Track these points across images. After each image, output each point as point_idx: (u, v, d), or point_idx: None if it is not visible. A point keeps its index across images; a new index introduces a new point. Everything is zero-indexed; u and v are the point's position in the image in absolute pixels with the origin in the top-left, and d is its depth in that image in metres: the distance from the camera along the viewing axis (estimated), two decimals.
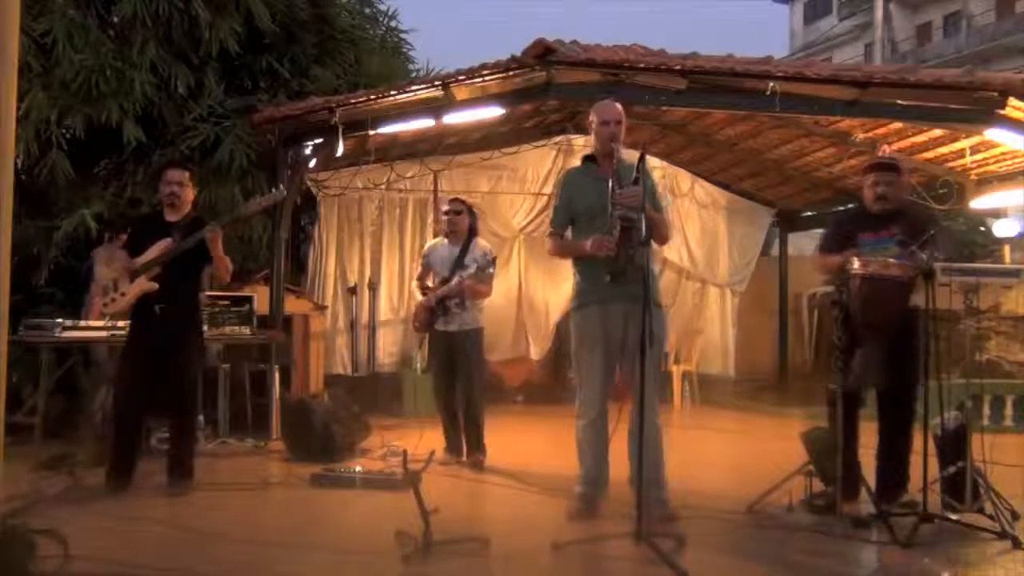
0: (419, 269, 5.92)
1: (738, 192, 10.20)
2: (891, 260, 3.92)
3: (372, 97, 6.23)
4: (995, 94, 5.74)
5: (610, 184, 3.99)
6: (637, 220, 3.76)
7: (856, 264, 3.93)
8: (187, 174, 4.80)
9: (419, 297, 5.73)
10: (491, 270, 5.54)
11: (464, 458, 5.53)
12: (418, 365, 8.35)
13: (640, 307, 3.85)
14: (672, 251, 9.29)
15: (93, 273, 6.21)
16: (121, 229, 6.35)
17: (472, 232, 5.70)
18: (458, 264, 5.55)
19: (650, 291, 3.67)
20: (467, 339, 5.55)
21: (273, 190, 5.18)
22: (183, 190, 4.74)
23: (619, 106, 4.29)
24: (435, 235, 8.58)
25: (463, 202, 5.82)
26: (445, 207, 5.79)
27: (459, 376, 5.59)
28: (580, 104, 8.22)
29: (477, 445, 5.52)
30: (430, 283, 5.68)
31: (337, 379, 7.88)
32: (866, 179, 4.34)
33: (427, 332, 5.76)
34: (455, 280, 5.47)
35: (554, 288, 9.11)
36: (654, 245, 4.18)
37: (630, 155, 4.22)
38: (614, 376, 4.20)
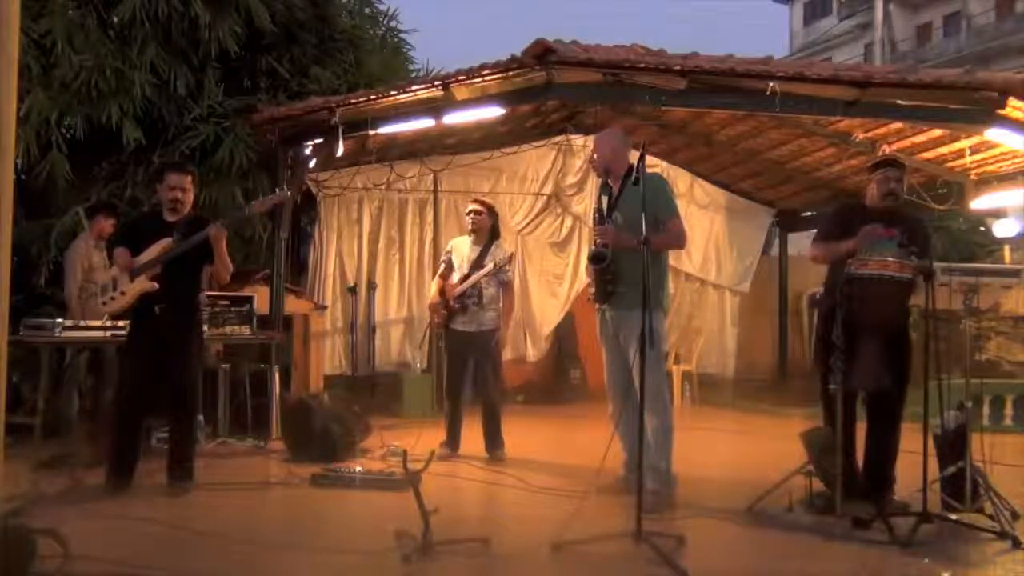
0: (442, 266, 6.04)
1: (738, 192, 10.19)
2: (890, 259, 3.92)
3: (372, 97, 6.23)
4: (995, 94, 5.74)
5: (593, 213, 4.63)
6: (608, 257, 4.31)
7: (854, 264, 3.93)
8: (189, 177, 4.76)
9: (434, 295, 5.90)
10: (505, 273, 5.74)
11: (486, 454, 5.67)
12: (417, 365, 8.37)
13: (627, 311, 4.22)
14: (673, 252, 9.29)
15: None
16: (98, 215, 6.28)
17: (495, 233, 5.89)
18: (477, 263, 5.73)
19: (650, 293, 3.70)
20: (486, 339, 5.71)
21: (277, 191, 5.18)
22: (186, 195, 4.72)
23: (605, 135, 4.74)
24: (433, 234, 8.66)
25: (484, 203, 6.00)
26: (469, 206, 5.98)
27: (477, 375, 5.81)
28: (580, 104, 8.25)
29: (496, 440, 5.70)
30: (452, 280, 5.80)
31: (337, 379, 7.88)
32: (874, 175, 4.34)
33: (444, 329, 5.89)
34: (473, 277, 5.66)
35: (548, 291, 9.12)
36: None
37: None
38: (621, 372, 4.47)
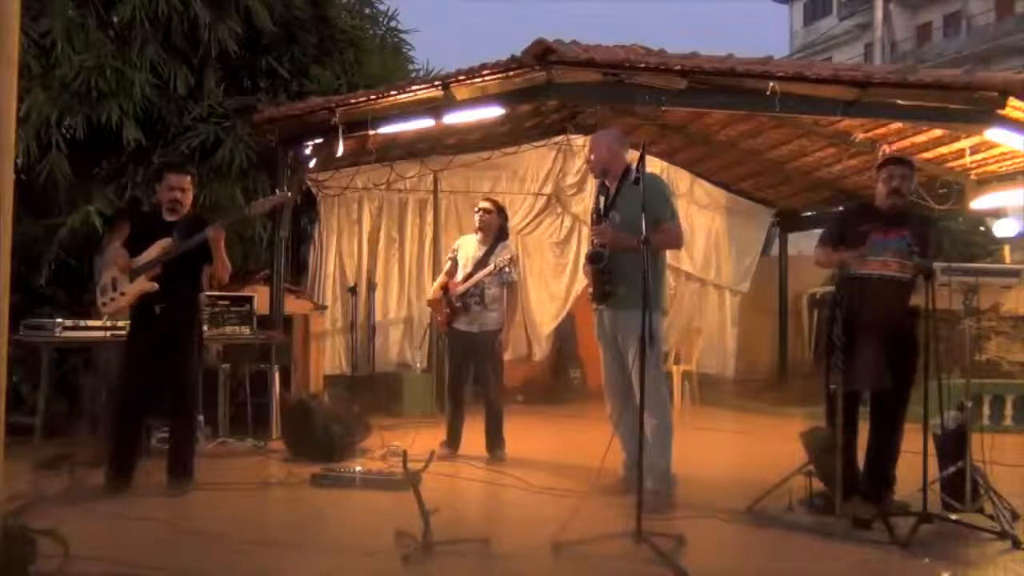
0: (447, 263, 6.05)
1: (738, 192, 10.19)
2: (890, 259, 3.92)
3: (372, 97, 6.23)
4: (995, 94, 5.73)
5: (592, 214, 4.64)
6: (606, 257, 4.33)
7: (856, 264, 3.94)
8: (188, 178, 4.77)
9: (435, 290, 5.94)
10: (507, 272, 5.73)
11: (487, 454, 5.68)
12: (417, 365, 8.37)
13: (625, 311, 4.25)
14: (672, 252, 9.29)
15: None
16: (120, 221, 6.32)
17: (502, 233, 5.90)
18: (482, 263, 5.74)
19: (650, 293, 3.71)
20: (488, 339, 5.72)
21: (277, 191, 5.18)
22: (185, 195, 4.73)
23: (602, 135, 4.75)
24: (433, 233, 8.66)
25: (495, 202, 6.02)
26: (478, 204, 5.99)
27: (479, 376, 5.82)
28: (580, 104, 8.25)
29: (497, 441, 5.71)
30: (457, 278, 5.82)
31: (337, 379, 7.88)
32: (880, 174, 4.33)
33: (446, 329, 5.90)
34: (475, 277, 5.67)
35: (548, 291, 9.12)
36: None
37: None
38: (619, 372, 4.49)
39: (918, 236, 4.09)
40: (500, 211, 5.91)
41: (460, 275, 5.81)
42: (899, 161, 4.40)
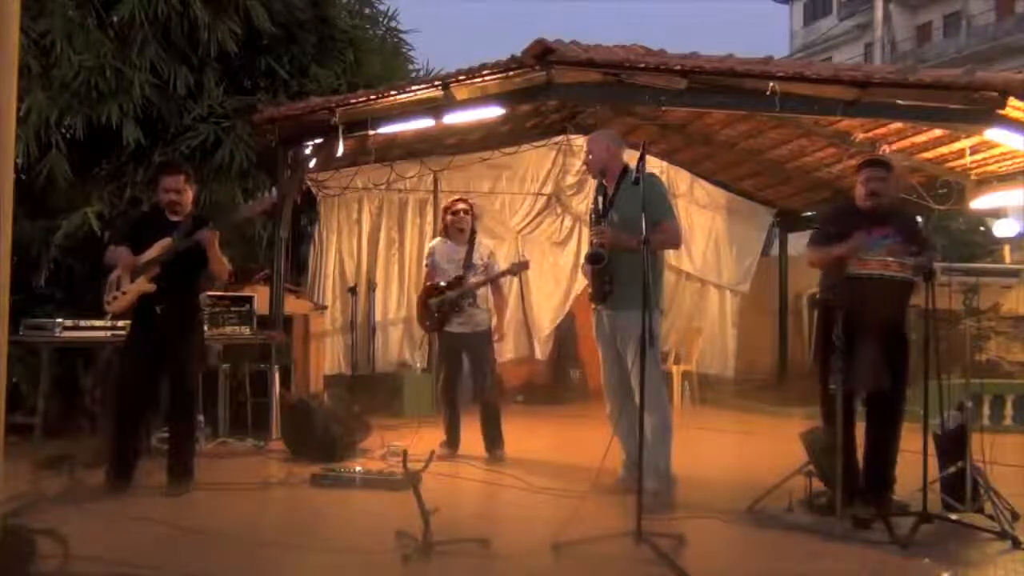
0: (426, 270, 6.05)
1: (738, 192, 10.19)
2: (890, 259, 3.92)
3: (372, 97, 6.23)
4: (995, 94, 5.73)
5: (590, 215, 4.69)
6: (605, 257, 4.35)
7: (854, 264, 3.94)
8: (183, 178, 4.73)
9: (422, 298, 5.90)
10: (495, 268, 5.79)
11: (486, 454, 5.68)
12: (417, 365, 8.37)
13: (624, 311, 4.29)
14: (672, 252, 9.29)
15: None
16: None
17: (474, 232, 5.91)
18: (467, 263, 5.74)
19: (650, 293, 3.71)
20: (480, 340, 5.74)
21: (266, 194, 5.18)
22: (182, 196, 4.72)
23: (599, 136, 4.80)
24: (439, 234, 8.63)
25: (468, 202, 6.01)
26: (455, 205, 5.95)
27: (474, 376, 5.82)
28: (580, 104, 8.25)
29: (496, 440, 5.71)
30: (441, 283, 5.81)
31: (337, 379, 7.88)
32: (858, 176, 4.37)
33: (437, 332, 5.90)
34: (472, 278, 5.68)
35: (548, 290, 9.12)
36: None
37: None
38: (618, 372, 4.52)
39: (902, 233, 4.10)
40: (473, 211, 5.95)
41: (444, 280, 5.80)
42: (876, 164, 4.41)
